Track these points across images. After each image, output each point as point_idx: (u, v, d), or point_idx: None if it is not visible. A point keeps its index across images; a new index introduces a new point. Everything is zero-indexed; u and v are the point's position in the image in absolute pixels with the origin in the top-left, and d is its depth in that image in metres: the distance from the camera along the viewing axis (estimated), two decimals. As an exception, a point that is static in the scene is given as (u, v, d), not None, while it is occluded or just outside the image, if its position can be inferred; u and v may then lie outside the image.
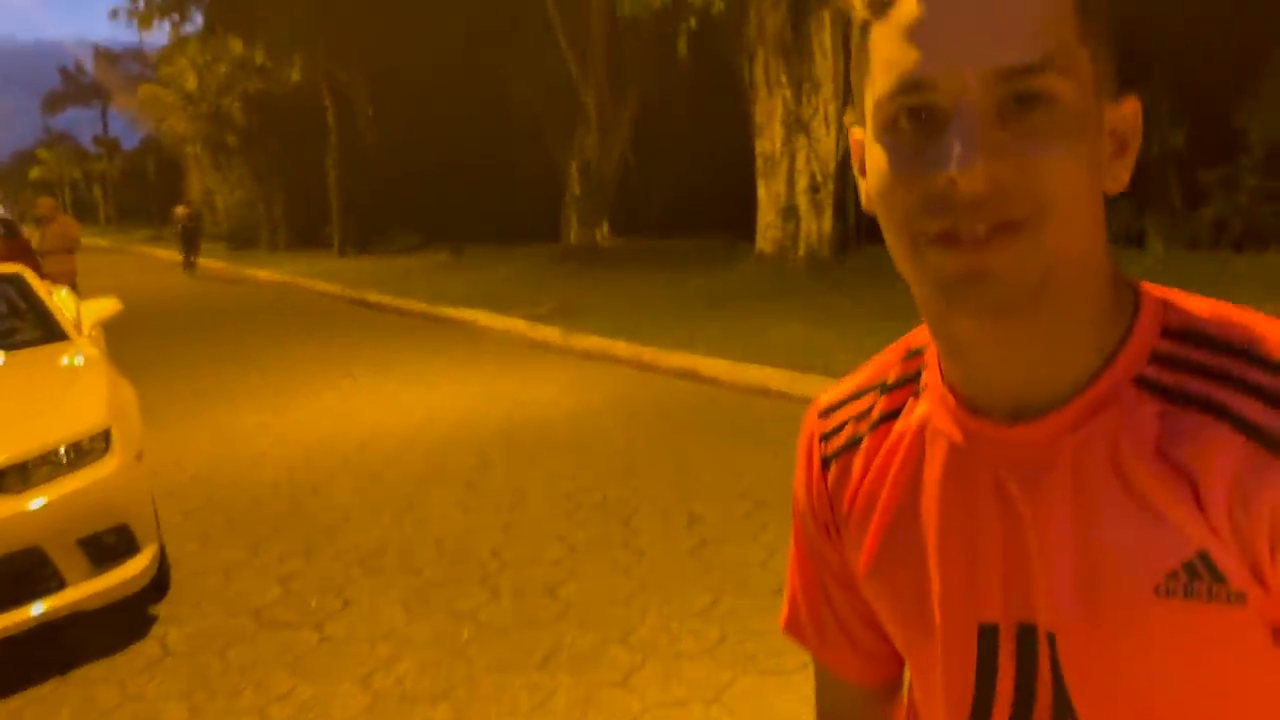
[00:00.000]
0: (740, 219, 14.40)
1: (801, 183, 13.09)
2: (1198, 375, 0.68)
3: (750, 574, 4.09)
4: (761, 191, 13.48)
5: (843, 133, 13.01)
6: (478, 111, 21.56)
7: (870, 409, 0.85)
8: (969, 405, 0.75)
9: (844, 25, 12.83)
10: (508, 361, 9.52)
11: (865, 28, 0.69)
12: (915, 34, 0.64)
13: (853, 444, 0.85)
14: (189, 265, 23.11)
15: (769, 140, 13.25)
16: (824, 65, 12.76)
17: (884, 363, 0.86)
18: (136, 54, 52.88)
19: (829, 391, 0.90)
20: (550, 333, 10.51)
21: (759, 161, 13.42)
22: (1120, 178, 0.70)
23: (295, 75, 22.99)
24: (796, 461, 0.91)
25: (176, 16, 23.73)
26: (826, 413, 0.89)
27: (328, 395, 8.25)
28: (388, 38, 21.62)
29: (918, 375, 0.82)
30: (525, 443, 6.40)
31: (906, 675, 0.91)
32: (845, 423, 0.86)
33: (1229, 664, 0.67)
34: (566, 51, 17.14)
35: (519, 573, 4.27)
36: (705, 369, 8.19)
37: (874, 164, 0.69)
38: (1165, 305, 0.72)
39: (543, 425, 6.84)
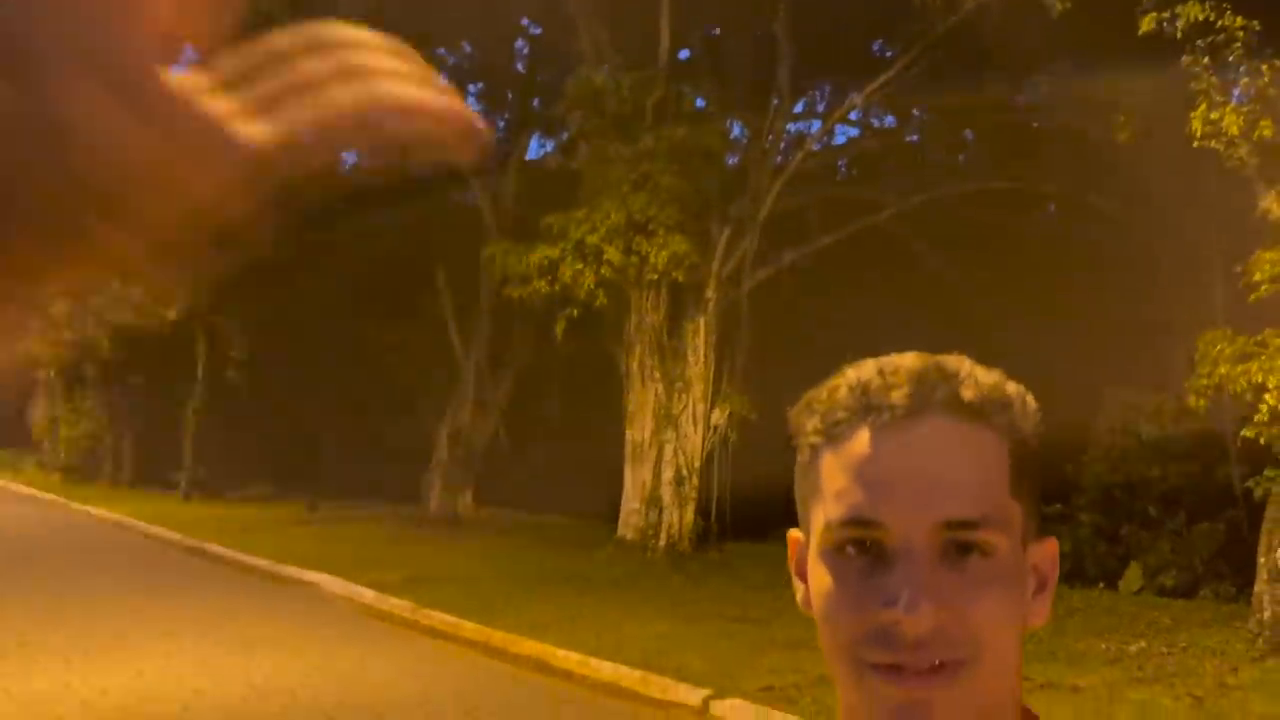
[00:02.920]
0: (605, 502, 14.48)
1: (667, 474, 13.37)
2: None
3: None
4: (628, 478, 13.68)
5: (710, 431, 13.50)
6: (353, 371, 21.64)
7: None
8: None
9: (717, 333, 13.69)
10: (350, 632, 9.01)
11: (815, 449, 0.75)
12: (867, 474, 0.71)
13: None
14: None
15: (639, 429, 13.63)
16: (695, 367, 13.43)
17: None
18: None
19: None
20: (399, 604, 10.07)
21: (628, 448, 13.72)
22: (1040, 613, 0.77)
23: (171, 315, 22.82)
24: None
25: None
26: None
27: (146, 655, 7.59)
28: (274, 291, 21.86)
29: None
30: (356, 730, 5.95)
31: None
32: None
33: None
34: (452, 325, 17.61)
35: None
36: (557, 660, 7.91)
37: (819, 584, 0.73)
38: None
39: (378, 712, 6.40)
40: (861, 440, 0.71)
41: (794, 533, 0.80)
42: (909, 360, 0.74)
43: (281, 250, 20.87)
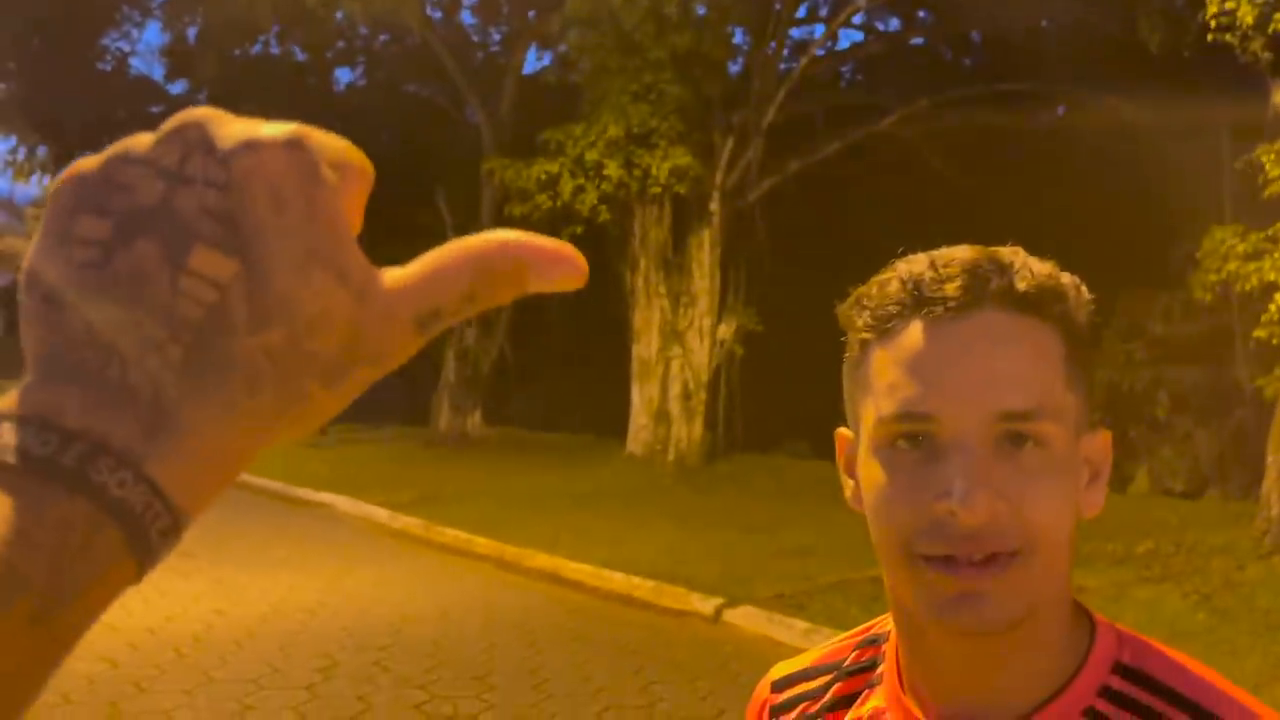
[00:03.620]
0: (613, 420, 14.56)
1: (675, 389, 13.40)
2: (1141, 716, 0.72)
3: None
4: (635, 395, 13.72)
5: (716, 346, 13.49)
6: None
7: (823, 691, 0.86)
8: (925, 707, 0.77)
9: (722, 247, 13.57)
10: (364, 551, 9.14)
11: (865, 345, 0.74)
12: (920, 367, 0.70)
13: None
14: None
15: (645, 346, 13.62)
16: (701, 282, 13.35)
17: (842, 646, 0.88)
18: (4, 203, 51.47)
19: (783, 664, 0.92)
20: (412, 523, 10.19)
21: (635, 365, 13.73)
22: (1094, 503, 0.76)
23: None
24: None
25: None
26: (779, 685, 0.89)
27: (164, 576, 7.70)
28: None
29: (874, 664, 0.84)
30: (375, 644, 6.05)
31: None
32: (798, 699, 0.87)
33: None
34: (453, 243, 17.47)
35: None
36: (569, 572, 8.02)
37: (871, 477, 0.73)
38: (1120, 641, 0.76)
39: (396, 625, 6.51)
40: (914, 334, 0.71)
41: (842, 431, 0.80)
42: (962, 252, 0.72)
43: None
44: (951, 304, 0.70)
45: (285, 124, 0.30)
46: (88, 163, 0.30)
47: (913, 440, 0.70)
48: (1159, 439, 11.32)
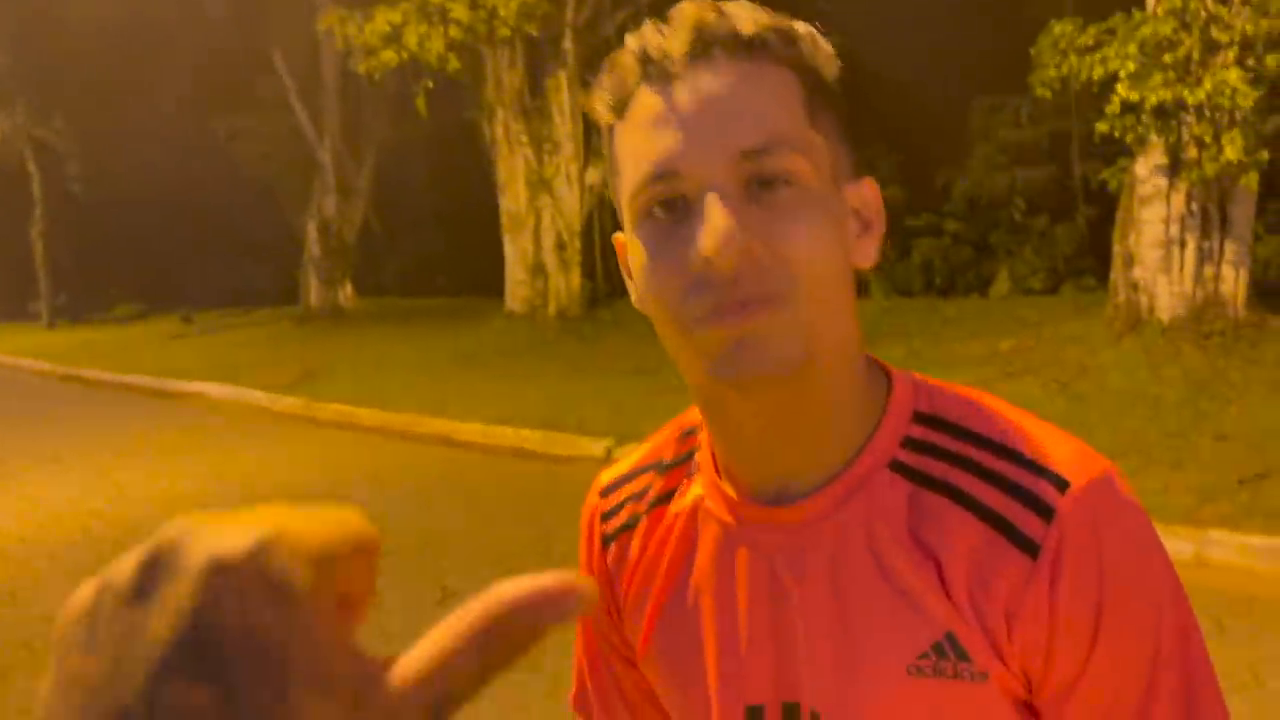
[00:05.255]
0: (489, 278, 14.34)
1: (548, 241, 13.20)
2: (944, 460, 0.72)
3: (509, 647, 3.96)
4: (509, 250, 13.49)
5: (586, 192, 13.27)
6: (204, 171, 20.40)
7: (647, 489, 0.85)
8: (739, 487, 0.77)
9: (581, 88, 13.17)
10: (245, 435, 8.93)
11: (611, 131, 0.72)
12: (657, 127, 0.68)
13: (631, 524, 0.85)
14: None
15: (513, 199, 13.30)
16: (563, 126, 12.99)
17: (661, 442, 0.88)
18: None
19: (609, 470, 0.91)
20: (292, 403, 9.97)
21: (505, 220, 13.43)
22: (868, 254, 0.75)
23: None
24: (579, 539, 0.91)
25: None
26: (606, 491, 0.89)
27: (33, 483, 7.39)
28: (100, 94, 20.13)
29: (691, 455, 0.84)
30: (265, 525, 5.96)
31: None
32: (624, 502, 0.87)
33: None
34: (299, 108, 16.56)
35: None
36: (458, 434, 8.00)
37: (635, 258, 0.71)
38: (916, 390, 0.76)
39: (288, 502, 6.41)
40: (647, 100, 0.69)
41: (618, 235, 0.77)
42: (686, 9, 0.70)
43: (110, 55, 19.10)
44: (679, 61, 0.68)
45: (256, 526, 0.29)
46: (82, 596, 0.30)
47: (667, 206, 0.68)
48: (1017, 240, 11.74)
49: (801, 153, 0.67)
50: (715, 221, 0.64)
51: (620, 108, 0.71)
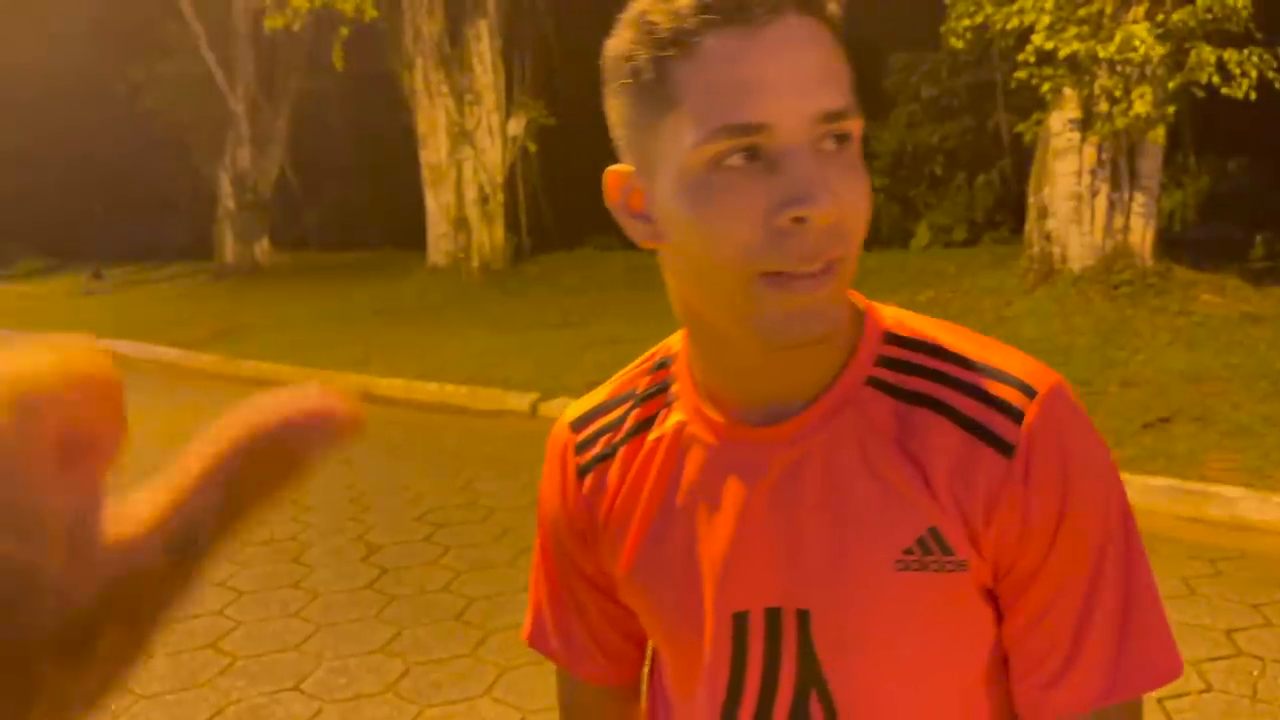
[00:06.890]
0: (411, 231, 14.09)
1: (470, 194, 13.01)
2: (920, 376, 0.79)
3: (433, 601, 3.96)
4: (431, 203, 13.26)
5: (508, 144, 13.09)
6: (111, 122, 19.60)
7: (623, 419, 0.89)
8: (725, 412, 0.81)
9: (503, 37, 12.93)
10: (158, 394, 8.68)
11: (663, 64, 0.70)
12: (741, 79, 0.68)
13: (608, 454, 0.88)
14: None
15: (434, 151, 13.06)
16: (484, 77, 12.75)
17: (632, 375, 0.91)
18: None
19: (576, 405, 0.94)
20: (208, 360, 9.73)
21: (425, 172, 13.19)
22: None
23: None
24: (545, 473, 0.93)
25: None
26: (578, 424, 0.92)
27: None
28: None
29: (667, 386, 0.87)
30: (180, 484, 5.83)
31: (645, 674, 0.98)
32: (599, 433, 0.90)
33: (955, 622, 0.78)
34: (210, 56, 15.98)
35: (175, 628, 3.86)
36: (380, 389, 7.90)
37: (691, 206, 0.70)
38: (883, 314, 0.83)
39: (201, 462, 6.28)
40: (725, 45, 0.68)
41: (615, 169, 0.77)
42: None
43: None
44: (759, 10, 0.68)
45: None
46: None
47: (749, 153, 0.69)
48: (938, 195, 11.92)
49: (858, 115, 0.71)
50: (814, 183, 0.67)
51: (684, 46, 0.69)
